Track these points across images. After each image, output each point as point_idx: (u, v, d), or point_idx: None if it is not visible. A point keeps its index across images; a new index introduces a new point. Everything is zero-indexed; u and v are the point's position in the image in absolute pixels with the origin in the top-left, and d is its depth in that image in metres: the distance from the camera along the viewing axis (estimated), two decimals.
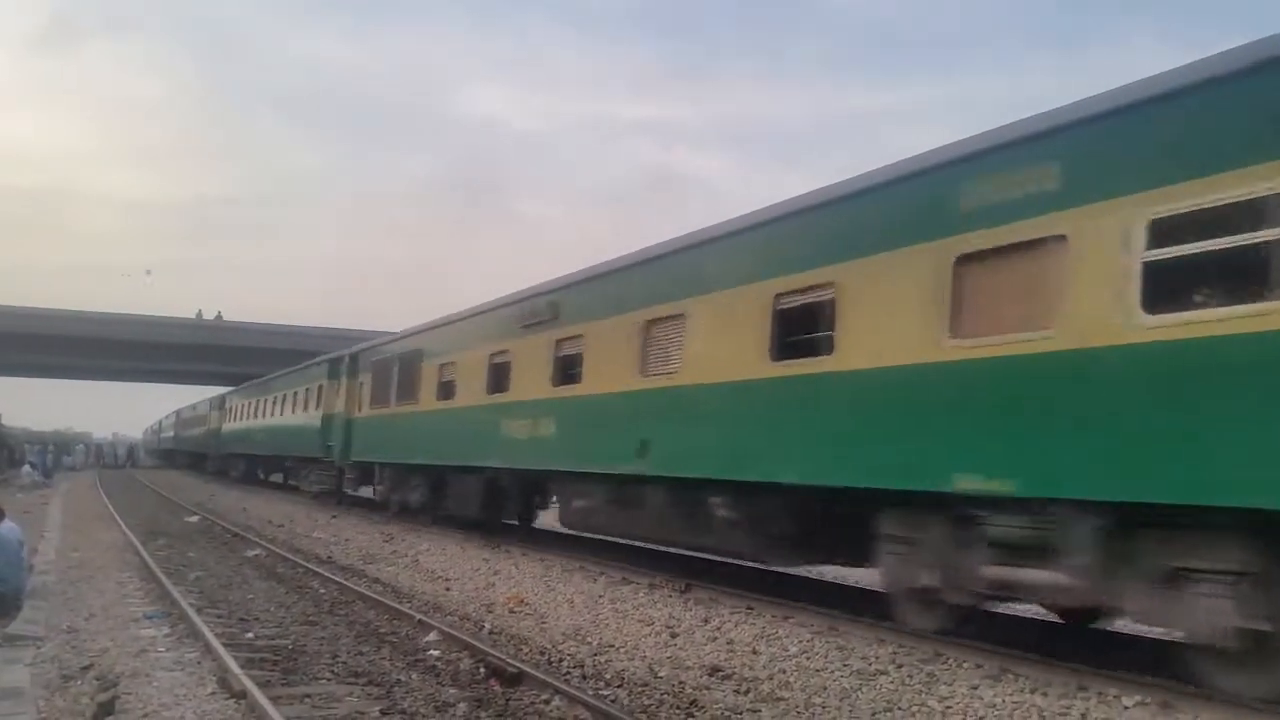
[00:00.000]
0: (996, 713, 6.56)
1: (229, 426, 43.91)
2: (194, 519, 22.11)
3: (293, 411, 30.72)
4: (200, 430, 52.91)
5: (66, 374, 68.79)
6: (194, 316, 57.93)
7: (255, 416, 37.61)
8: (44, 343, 51.84)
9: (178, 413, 67.16)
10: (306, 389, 29.12)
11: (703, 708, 6.71)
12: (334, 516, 23.15)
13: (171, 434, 70.83)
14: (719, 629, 9.29)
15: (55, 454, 53.87)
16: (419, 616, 9.70)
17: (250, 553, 15.57)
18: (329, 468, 26.45)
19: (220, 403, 46.91)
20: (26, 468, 42.02)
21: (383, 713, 6.38)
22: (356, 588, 11.72)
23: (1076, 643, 8.69)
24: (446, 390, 18.40)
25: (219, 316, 58.12)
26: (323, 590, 11.87)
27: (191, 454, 58.26)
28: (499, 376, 16.12)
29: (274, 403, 33.90)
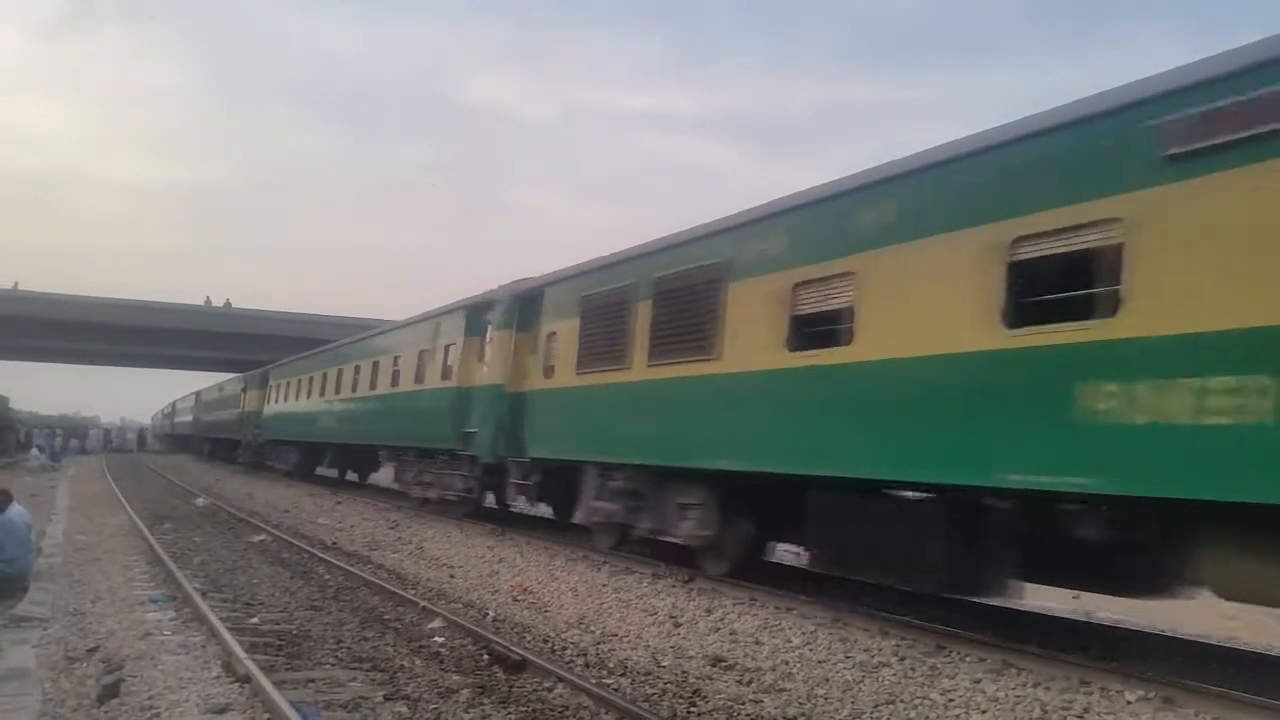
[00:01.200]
0: (999, 706, 6.56)
1: (276, 408, 35.24)
2: (200, 504, 22.18)
3: (394, 385, 21.87)
4: (229, 413, 44.49)
5: (75, 359, 69.04)
6: (202, 303, 58.12)
7: (322, 394, 28.48)
8: (54, 327, 52.11)
9: (198, 394, 58.51)
10: (422, 352, 20.23)
11: (705, 698, 6.73)
12: (339, 502, 23.20)
13: (189, 418, 61.88)
14: (722, 619, 9.31)
15: (64, 438, 54.13)
16: (423, 603, 9.74)
17: (255, 538, 15.61)
18: (467, 465, 17.67)
19: (260, 380, 38.55)
20: (34, 451, 42.26)
21: (386, 698, 6.40)
22: (361, 574, 11.75)
23: (1079, 637, 8.70)
24: (812, 329, 9.52)
25: (227, 303, 58.25)
26: (327, 576, 11.91)
27: (216, 441, 50.46)
28: (1048, 283, 7.42)
29: (358, 374, 25.01)
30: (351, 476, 31.68)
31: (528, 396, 15.42)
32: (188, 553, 13.34)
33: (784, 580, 11.13)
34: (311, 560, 13.16)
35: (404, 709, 6.18)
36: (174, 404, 76.41)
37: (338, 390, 26.75)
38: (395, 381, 21.86)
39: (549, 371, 14.79)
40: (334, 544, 15.21)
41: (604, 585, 11.17)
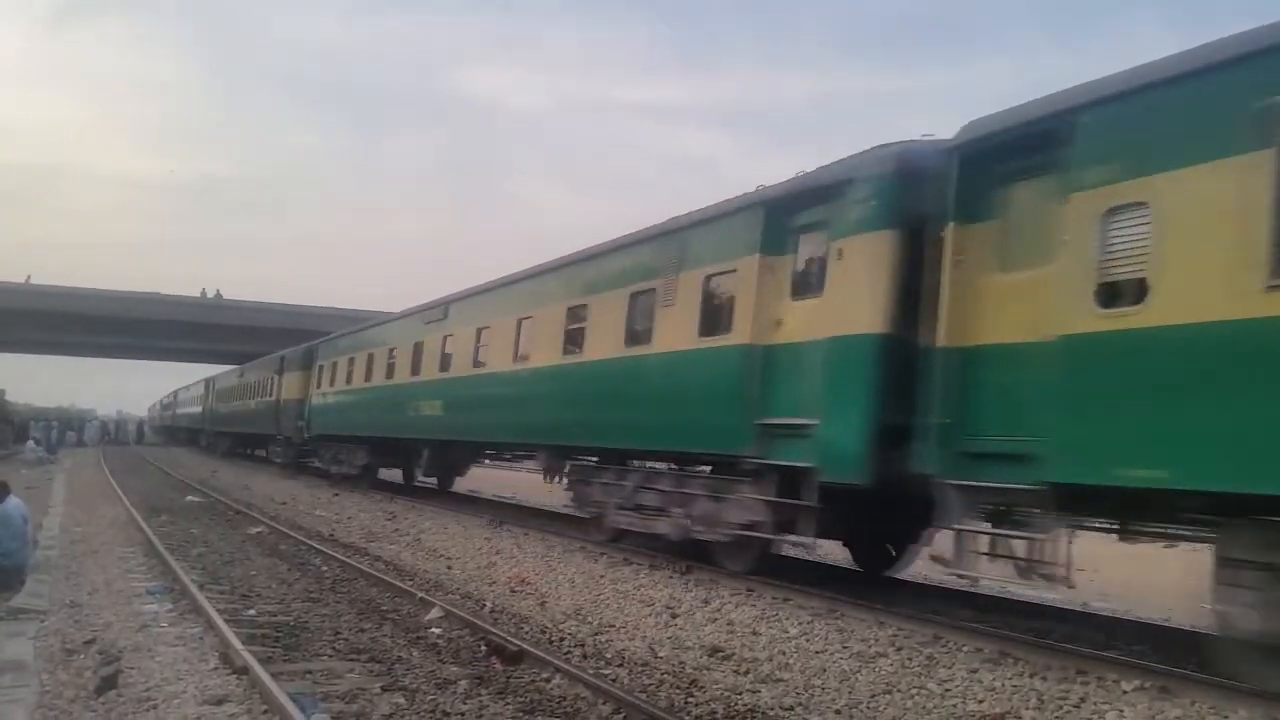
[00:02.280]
0: (995, 696, 6.57)
1: (330, 394, 27.44)
2: (196, 497, 22.16)
3: (573, 352, 14.37)
4: (257, 402, 37.24)
5: (83, 351, 69.04)
6: (199, 295, 58.11)
7: (414, 372, 20.83)
8: (66, 321, 52.16)
9: (210, 381, 52.67)
10: (637, 295, 12.94)
11: (703, 688, 6.73)
12: (336, 495, 23.19)
13: (197, 409, 55.73)
14: (719, 610, 9.32)
15: (59, 430, 54.07)
16: (421, 595, 9.74)
17: (253, 530, 15.61)
18: (768, 483, 10.26)
19: (302, 359, 30.75)
20: (30, 443, 42.17)
21: (384, 689, 6.40)
22: (359, 565, 11.76)
23: (1076, 627, 8.72)
24: None
25: (218, 295, 58.21)
26: (325, 568, 11.91)
27: (236, 435, 44.90)
28: None
29: (484, 341, 17.72)
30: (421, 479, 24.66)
31: (1016, 352, 7.91)
32: (185, 545, 13.33)
33: (782, 567, 11.13)
34: (309, 552, 13.16)
35: (402, 700, 6.18)
36: (175, 394, 71.76)
37: (444, 366, 19.39)
38: (576, 346, 14.28)
39: (1144, 288, 6.96)
40: (331, 536, 15.20)
41: (601, 576, 11.17)
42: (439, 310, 20.39)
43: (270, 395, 34.37)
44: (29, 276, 53.96)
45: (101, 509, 18.30)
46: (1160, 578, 11.30)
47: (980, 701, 6.49)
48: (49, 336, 55.34)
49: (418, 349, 20.97)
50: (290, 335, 40.69)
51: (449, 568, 12.12)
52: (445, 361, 19.51)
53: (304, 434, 29.43)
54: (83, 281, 64.53)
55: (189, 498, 21.54)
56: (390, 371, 22.54)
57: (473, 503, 22.14)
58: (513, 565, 12.16)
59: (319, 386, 28.64)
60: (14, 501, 10.88)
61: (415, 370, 20.86)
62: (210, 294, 58.33)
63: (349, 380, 25.76)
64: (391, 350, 22.68)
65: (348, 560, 12.14)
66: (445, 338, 19.69)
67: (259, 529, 15.69)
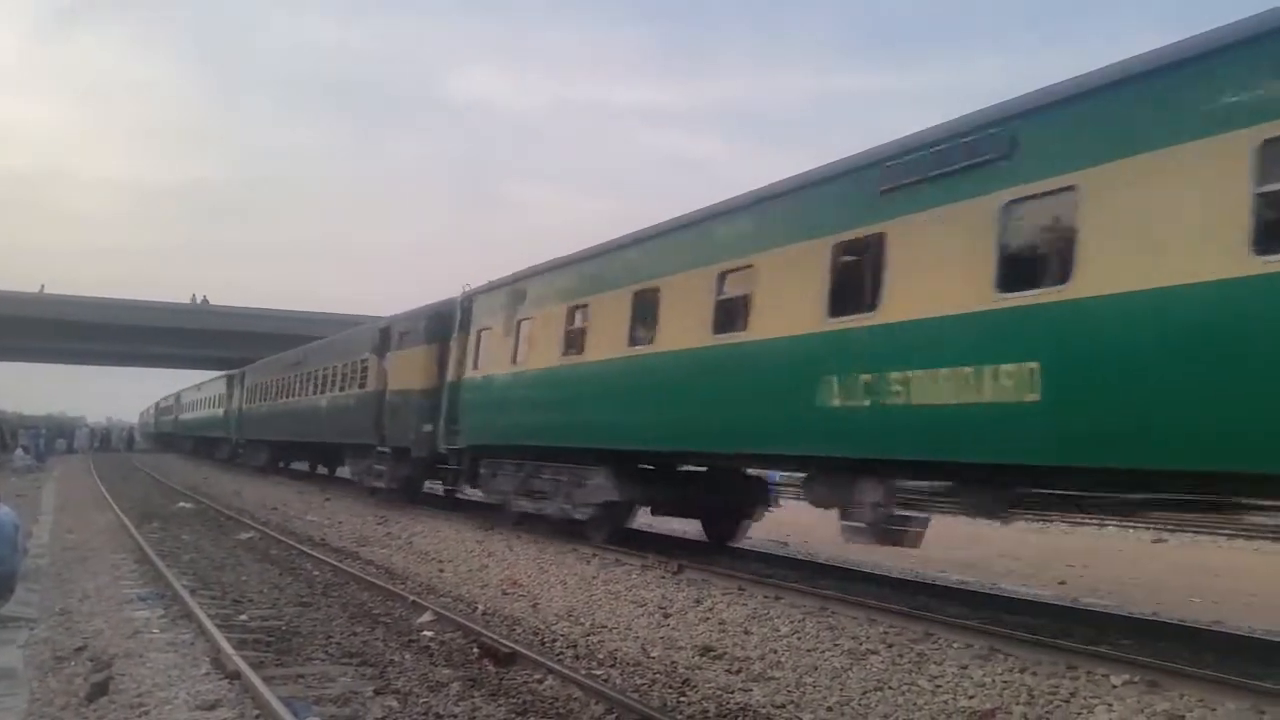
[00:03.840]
0: (986, 691, 6.60)
1: (504, 387, 16.15)
2: (187, 503, 22.09)
3: None
4: (330, 399, 26.82)
5: (61, 358, 68.85)
6: (189, 301, 57.94)
7: (848, 307, 9.11)
8: (44, 327, 51.94)
9: (238, 376, 41.08)
10: None
11: (695, 687, 6.75)
12: (327, 499, 23.14)
13: (218, 412, 44.36)
14: (711, 610, 9.34)
15: (49, 438, 53.79)
16: (413, 598, 9.74)
17: (243, 535, 15.58)
18: None
19: (429, 328, 19.92)
20: (19, 451, 41.96)
21: (376, 692, 6.40)
22: (350, 569, 11.75)
23: (1065, 622, 8.77)
24: None
25: (204, 301, 58.03)
26: (316, 572, 11.88)
27: (283, 445, 34.13)
28: None
29: None
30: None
31: None
32: (176, 551, 13.29)
33: (772, 566, 11.17)
34: (300, 557, 13.14)
35: (394, 703, 6.18)
36: (178, 396, 61.14)
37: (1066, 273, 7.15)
38: None
39: None
40: (322, 540, 15.18)
41: (593, 578, 11.18)
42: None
43: (361, 385, 23.97)
44: (43, 286, 53.67)
45: (92, 516, 18.24)
46: (1151, 573, 11.30)
47: (971, 697, 6.52)
48: (39, 344, 55.25)
49: (847, 260, 9.46)
50: (285, 340, 40.53)
51: (441, 571, 12.12)
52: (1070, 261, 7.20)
53: (442, 445, 18.35)
54: (68, 288, 64.40)
55: (180, 504, 21.46)
56: (727, 318, 10.90)
57: None
58: (505, 568, 12.17)
59: (475, 366, 17.42)
60: (4, 510, 10.82)
61: (846, 306, 9.24)
62: (199, 299, 58.20)
63: (569, 348, 14.16)
64: (722, 276, 11.06)
65: (339, 565, 12.13)
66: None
67: (249, 534, 15.66)
